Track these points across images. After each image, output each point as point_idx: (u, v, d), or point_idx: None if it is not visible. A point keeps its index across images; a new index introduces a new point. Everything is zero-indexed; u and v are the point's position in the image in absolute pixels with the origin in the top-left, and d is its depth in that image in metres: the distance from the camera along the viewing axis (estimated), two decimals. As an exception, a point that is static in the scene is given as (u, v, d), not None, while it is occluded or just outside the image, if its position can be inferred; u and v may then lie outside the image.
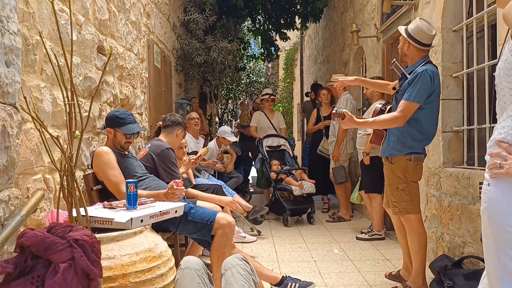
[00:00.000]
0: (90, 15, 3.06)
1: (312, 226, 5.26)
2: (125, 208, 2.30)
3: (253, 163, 7.48)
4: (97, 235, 1.66)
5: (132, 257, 1.90)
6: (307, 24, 8.46)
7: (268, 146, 6.01)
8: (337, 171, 5.43)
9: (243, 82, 11.82)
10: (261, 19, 8.55)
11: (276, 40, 9.14)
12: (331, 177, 5.61)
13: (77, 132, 1.99)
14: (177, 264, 2.16)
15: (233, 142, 5.95)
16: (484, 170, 1.48)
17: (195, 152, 4.70)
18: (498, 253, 1.40)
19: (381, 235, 4.49)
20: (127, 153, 3.00)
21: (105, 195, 2.85)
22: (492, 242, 1.42)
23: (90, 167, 2.95)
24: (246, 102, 9.66)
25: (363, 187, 4.73)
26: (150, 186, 2.92)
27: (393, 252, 4.03)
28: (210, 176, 4.91)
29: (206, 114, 8.49)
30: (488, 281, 1.47)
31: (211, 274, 1.94)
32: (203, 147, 5.16)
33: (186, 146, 4.01)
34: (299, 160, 8.86)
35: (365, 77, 5.78)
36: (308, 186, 5.43)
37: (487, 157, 1.48)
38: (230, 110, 15.10)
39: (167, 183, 2.92)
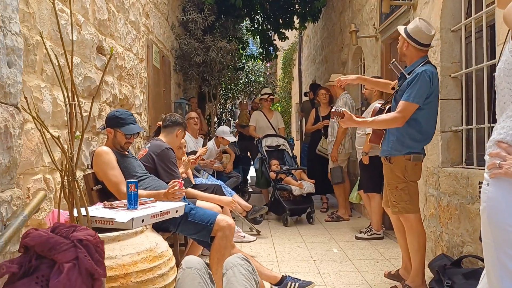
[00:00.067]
0: (89, 15, 3.06)
1: (311, 226, 5.27)
2: (126, 208, 2.31)
3: (252, 162, 7.49)
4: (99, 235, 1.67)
5: (133, 257, 1.91)
6: (306, 24, 8.47)
7: (268, 146, 6.02)
8: (334, 172, 5.45)
9: (241, 82, 11.83)
10: (260, 19, 8.55)
11: (275, 40, 9.15)
12: (329, 177, 5.63)
13: (77, 133, 1.99)
14: (177, 264, 2.17)
15: (232, 142, 5.96)
16: (483, 169, 1.49)
17: (194, 152, 4.70)
18: (498, 252, 1.41)
19: (380, 234, 4.51)
20: (127, 153, 3.00)
21: (105, 195, 2.86)
22: (492, 242, 1.43)
23: (90, 167, 2.96)
24: (244, 102, 9.67)
25: (362, 186, 4.75)
26: (150, 186, 2.92)
27: (392, 251, 4.05)
28: (209, 176, 4.92)
29: (205, 114, 8.49)
30: (488, 280, 1.48)
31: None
32: (202, 147, 5.17)
33: (185, 146, 4.02)
34: (298, 160, 8.87)
35: (364, 77, 5.80)
36: (308, 186, 5.44)
37: (486, 157, 1.49)
38: (229, 110, 15.10)
39: (167, 183, 2.92)
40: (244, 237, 4.45)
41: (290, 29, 8.45)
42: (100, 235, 1.82)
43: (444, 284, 2.62)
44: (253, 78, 12.61)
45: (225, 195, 3.98)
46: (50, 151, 1.87)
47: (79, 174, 2.79)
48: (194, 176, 4.45)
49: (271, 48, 9.00)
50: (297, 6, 8.12)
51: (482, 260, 2.67)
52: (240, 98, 13.12)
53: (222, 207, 3.57)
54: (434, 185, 3.52)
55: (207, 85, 7.14)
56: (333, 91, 5.71)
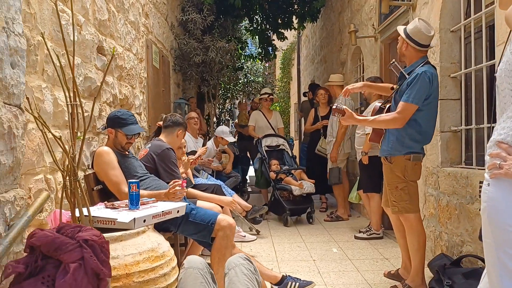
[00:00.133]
0: (90, 16, 3.07)
1: (310, 226, 5.28)
2: (127, 208, 2.31)
3: (251, 162, 7.49)
4: (101, 235, 1.67)
5: (135, 257, 1.91)
6: (305, 24, 8.47)
7: (267, 146, 6.02)
8: (332, 172, 5.46)
9: (240, 81, 11.84)
10: (259, 19, 8.55)
11: (274, 40, 9.16)
12: (327, 177, 5.64)
13: (78, 133, 1.99)
14: (178, 264, 2.18)
15: (231, 142, 5.97)
16: (483, 169, 1.50)
17: (193, 152, 4.71)
18: (498, 252, 1.42)
19: (379, 234, 4.52)
20: (127, 153, 3.01)
21: (106, 195, 2.86)
22: (492, 241, 1.44)
23: (90, 167, 2.96)
24: (244, 102, 9.67)
25: (361, 186, 4.76)
26: (150, 186, 2.93)
27: (392, 251, 4.06)
28: (209, 176, 4.93)
29: (204, 114, 8.50)
30: (488, 279, 1.49)
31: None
32: (202, 146, 5.18)
33: (185, 146, 4.02)
34: (297, 159, 8.88)
35: (363, 77, 5.82)
36: (308, 185, 5.45)
37: (486, 158, 1.50)
38: (228, 109, 15.11)
39: (168, 183, 2.93)
40: (245, 236, 4.46)
41: (289, 29, 8.46)
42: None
43: (444, 284, 2.63)
44: (252, 78, 12.63)
45: (225, 195, 3.99)
46: (52, 152, 1.88)
47: (80, 174, 2.79)
48: (194, 176, 4.45)
49: (270, 48, 9.00)
50: (296, 6, 8.13)
51: (481, 259, 2.68)
52: (238, 98, 13.13)
53: (222, 207, 3.58)
54: (434, 185, 3.54)
55: (206, 85, 7.15)
56: (332, 91, 5.72)
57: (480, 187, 1.53)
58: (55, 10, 2.04)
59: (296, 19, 8.31)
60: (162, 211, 2.28)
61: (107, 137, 3.02)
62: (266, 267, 3.12)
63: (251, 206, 4.52)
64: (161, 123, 3.58)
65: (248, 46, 10.00)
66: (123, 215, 2.11)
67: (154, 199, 2.58)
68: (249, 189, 7.53)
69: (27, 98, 1.83)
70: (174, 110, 6.07)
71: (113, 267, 1.81)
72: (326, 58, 8.32)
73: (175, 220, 2.57)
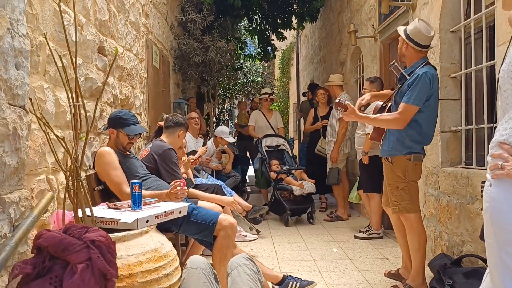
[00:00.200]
0: (91, 16, 3.07)
1: (310, 225, 5.29)
2: (130, 208, 2.32)
3: (251, 162, 7.49)
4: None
5: (138, 257, 1.92)
6: (304, 24, 8.48)
7: (268, 146, 6.03)
8: (331, 173, 5.48)
9: (240, 81, 11.84)
10: (258, 19, 8.56)
11: (273, 40, 9.17)
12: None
13: (81, 134, 2.00)
14: (180, 264, 2.19)
15: (230, 142, 5.98)
16: (483, 169, 1.51)
17: (194, 152, 4.71)
18: (500, 252, 1.42)
19: (379, 234, 4.53)
20: (128, 153, 3.01)
21: (107, 196, 2.86)
22: (494, 241, 1.45)
23: (92, 167, 2.96)
24: (243, 101, 9.68)
25: (361, 186, 4.77)
26: (152, 186, 2.93)
27: (392, 251, 4.07)
28: (209, 176, 4.93)
29: (203, 114, 8.50)
30: (490, 279, 1.50)
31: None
32: (202, 146, 5.18)
33: (186, 146, 4.03)
34: (297, 159, 8.89)
35: (363, 77, 5.83)
36: (308, 185, 5.46)
37: (488, 158, 1.50)
38: (227, 109, 15.11)
39: (169, 183, 2.93)
40: (246, 236, 4.47)
41: (288, 29, 8.47)
42: (106, 235, 1.83)
43: (445, 283, 2.64)
44: (251, 78, 12.63)
45: (226, 195, 4.00)
46: (54, 152, 1.88)
47: (82, 175, 2.80)
48: (194, 176, 4.46)
49: (269, 48, 9.01)
50: (295, 6, 8.14)
51: (482, 259, 2.69)
52: (238, 98, 13.13)
53: (223, 207, 3.58)
54: (434, 185, 3.55)
55: (206, 85, 7.15)
56: (331, 91, 5.73)
57: (482, 187, 1.54)
58: (57, 10, 2.04)
59: (295, 19, 8.32)
60: (165, 212, 2.29)
61: (108, 137, 3.02)
62: (267, 267, 3.13)
63: (251, 206, 4.53)
64: (161, 123, 3.59)
65: (247, 46, 10.00)
66: (126, 216, 2.12)
67: (156, 199, 2.58)
68: (249, 189, 7.54)
69: (30, 99, 1.83)
70: (174, 110, 6.07)
71: (116, 267, 1.82)
72: (325, 58, 8.33)
73: (176, 220, 2.57)
